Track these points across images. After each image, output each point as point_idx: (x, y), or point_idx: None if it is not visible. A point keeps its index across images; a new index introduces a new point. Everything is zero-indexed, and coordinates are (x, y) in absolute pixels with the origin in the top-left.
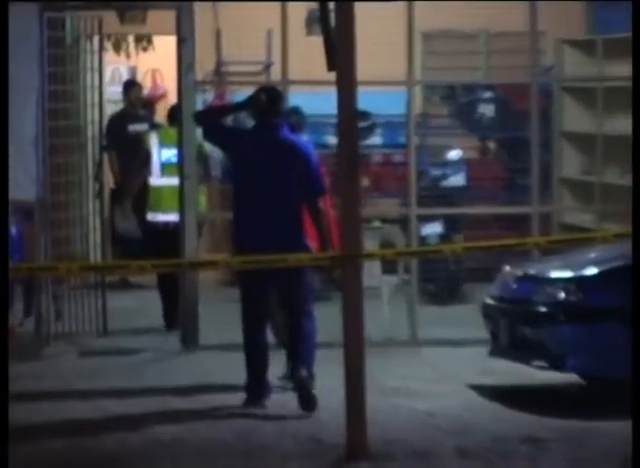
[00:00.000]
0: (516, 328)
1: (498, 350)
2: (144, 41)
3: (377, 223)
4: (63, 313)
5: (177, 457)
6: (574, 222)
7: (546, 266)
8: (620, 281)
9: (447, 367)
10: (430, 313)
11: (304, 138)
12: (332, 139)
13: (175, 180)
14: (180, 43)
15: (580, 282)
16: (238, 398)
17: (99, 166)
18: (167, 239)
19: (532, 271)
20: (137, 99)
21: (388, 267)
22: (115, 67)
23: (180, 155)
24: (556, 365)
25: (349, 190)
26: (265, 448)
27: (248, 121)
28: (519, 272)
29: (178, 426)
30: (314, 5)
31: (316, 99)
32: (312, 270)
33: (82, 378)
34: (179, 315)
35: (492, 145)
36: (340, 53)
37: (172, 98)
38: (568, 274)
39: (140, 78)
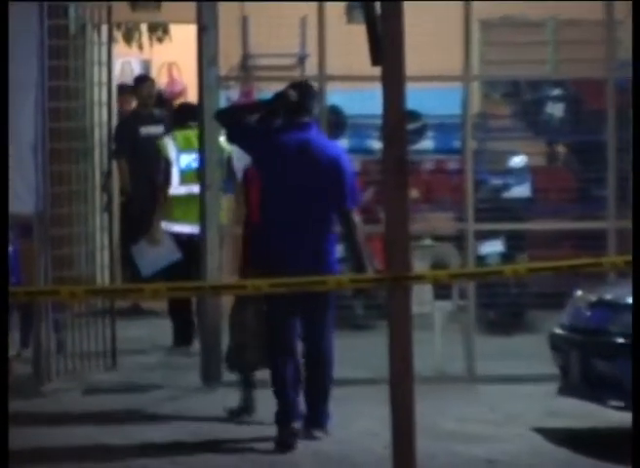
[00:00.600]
0: (590, 362)
1: (568, 387)
2: (159, 30)
3: (428, 241)
4: (66, 344)
5: None
6: None
7: (625, 291)
8: None
9: (509, 406)
10: (489, 344)
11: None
12: (376, 144)
13: (195, 188)
14: (201, 32)
15: None
16: (266, 444)
17: (107, 174)
18: (183, 253)
19: (608, 296)
20: (149, 97)
21: (441, 292)
22: (126, 60)
23: (202, 161)
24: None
25: (396, 202)
26: None
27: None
28: (593, 297)
29: None
30: None
31: (358, 98)
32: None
33: (86, 419)
34: (192, 334)
35: (561, 150)
36: (386, 44)
37: (191, 96)
38: None
39: (154, 73)
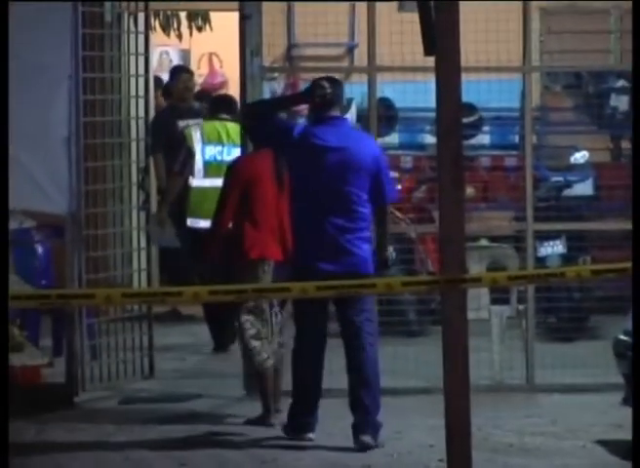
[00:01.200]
0: None
1: (633, 397)
2: (199, 19)
3: (484, 242)
4: (101, 351)
5: None
6: None
7: None
8: None
9: (570, 418)
10: (550, 352)
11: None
12: (429, 138)
13: (219, 182)
14: (244, 21)
15: None
16: (316, 456)
17: (144, 171)
18: None
19: None
20: (186, 90)
21: (499, 296)
22: (164, 51)
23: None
24: None
25: (451, 201)
26: None
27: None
28: None
29: None
30: None
31: (410, 90)
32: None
33: (122, 430)
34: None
35: (626, 146)
36: (440, 33)
37: (233, 88)
38: None
39: (194, 63)
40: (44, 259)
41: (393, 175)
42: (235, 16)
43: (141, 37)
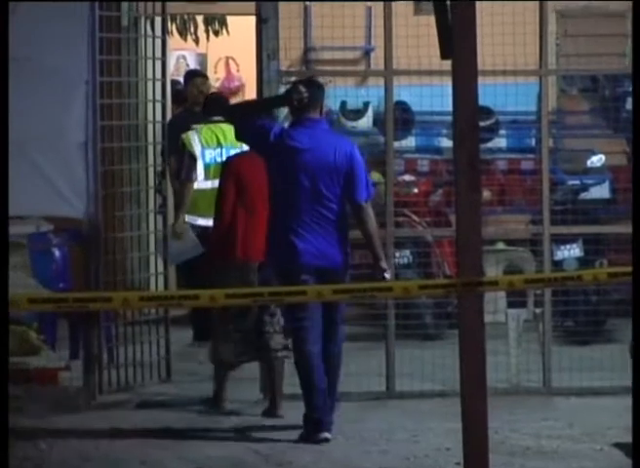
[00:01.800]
0: None
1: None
2: (216, 23)
3: (500, 245)
4: (118, 355)
5: None
6: None
7: None
8: None
9: (587, 421)
10: (567, 355)
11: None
12: (445, 142)
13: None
14: (261, 24)
15: None
16: (332, 458)
17: (161, 175)
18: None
19: None
20: (200, 94)
21: (515, 299)
22: (181, 55)
23: None
24: None
25: (468, 205)
26: None
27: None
28: None
29: None
30: None
31: (427, 93)
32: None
33: (140, 434)
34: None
35: None
36: (457, 36)
37: (249, 92)
38: None
39: (210, 67)
40: (61, 263)
41: (410, 177)
42: (252, 20)
43: (158, 41)
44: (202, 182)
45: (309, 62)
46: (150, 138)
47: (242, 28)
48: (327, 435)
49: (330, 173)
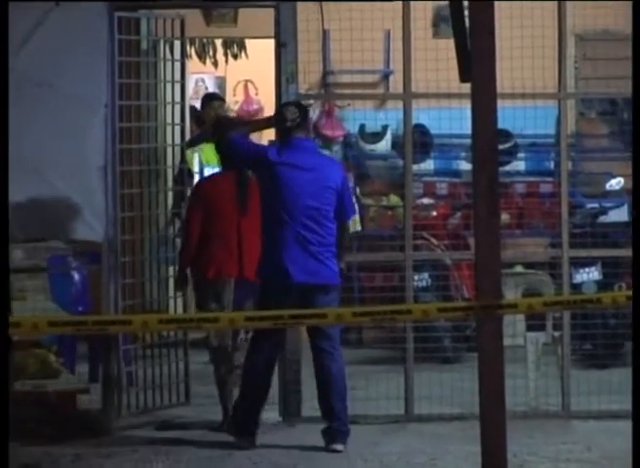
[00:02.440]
0: None
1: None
2: (235, 46)
3: (519, 268)
4: (137, 377)
5: None
6: None
7: None
8: None
9: (606, 444)
10: (586, 378)
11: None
12: (464, 165)
13: None
14: (280, 48)
15: None
16: None
17: (179, 198)
18: None
19: None
20: None
21: (534, 322)
22: (200, 78)
23: None
24: None
25: (487, 227)
26: None
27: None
28: None
29: None
30: (443, 1)
31: (445, 116)
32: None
33: (159, 456)
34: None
35: None
36: (476, 59)
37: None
38: None
39: (229, 91)
40: (80, 286)
41: (429, 200)
42: (271, 43)
43: (177, 64)
44: None
45: (328, 86)
46: (169, 162)
47: (261, 52)
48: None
49: (327, 190)
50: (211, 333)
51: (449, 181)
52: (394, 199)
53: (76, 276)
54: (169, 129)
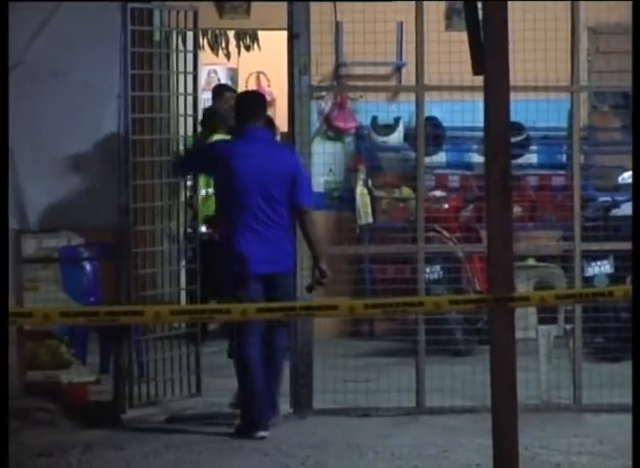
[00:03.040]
0: None
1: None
2: (247, 38)
3: (531, 261)
4: (148, 369)
5: None
6: None
7: None
8: None
9: (618, 437)
10: (597, 371)
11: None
12: (476, 158)
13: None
14: (293, 40)
15: None
16: None
17: (192, 189)
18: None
19: None
20: (230, 109)
21: (546, 315)
22: (212, 69)
23: None
24: None
25: (499, 220)
26: None
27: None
28: None
29: None
30: None
31: (458, 109)
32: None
33: (170, 448)
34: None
35: None
36: (489, 52)
37: (281, 108)
38: None
39: (241, 82)
40: (92, 277)
41: (441, 193)
42: (283, 35)
43: (190, 56)
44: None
45: (340, 78)
46: (182, 152)
47: (273, 43)
48: (264, 433)
49: (277, 177)
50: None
51: (461, 174)
52: (406, 191)
53: (88, 267)
54: (181, 120)
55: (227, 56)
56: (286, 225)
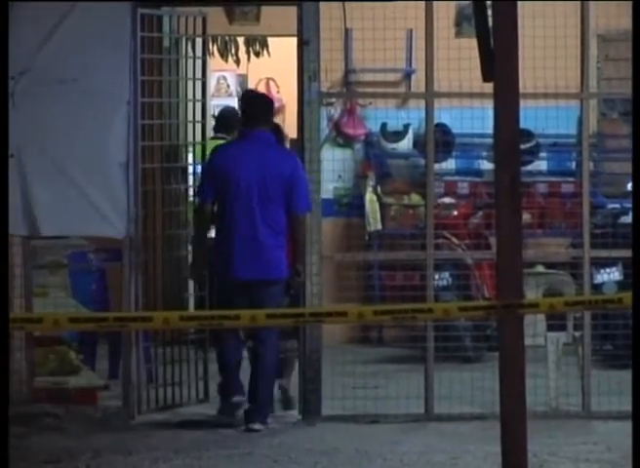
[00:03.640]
0: None
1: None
2: (257, 44)
3: (540, 268)
4: (157, 375)
5: None
6: None
7: None
8: None
9: (627, 445)
10: (606, 379)
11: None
12: (486, 165)
13: None
14: (302, 46)
15: None
16: None
17: None
18: None
19: None
20: None
21: (555, 322)
22: (221, 75)
23: None
24: None
25: (508, 227)
26: None
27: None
28: None
29: None
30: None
31: (467, 116)
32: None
33: (178, 453)
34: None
35: None
36: (498, 59)
37: (290, 114)
38: None
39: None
40: (101, 283)
41: (450, 200)
42: (293, 41)
43: (199, 62)
44: None
45: (350, 84)
46: (190, 159)
47: (283, 50)
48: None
49: (273, 178)
50: None
51: (470, 181)
52: (415, 198)
53: (96, 273)
54: (190, 126)
55: (237, 62)
56: (279, 228)
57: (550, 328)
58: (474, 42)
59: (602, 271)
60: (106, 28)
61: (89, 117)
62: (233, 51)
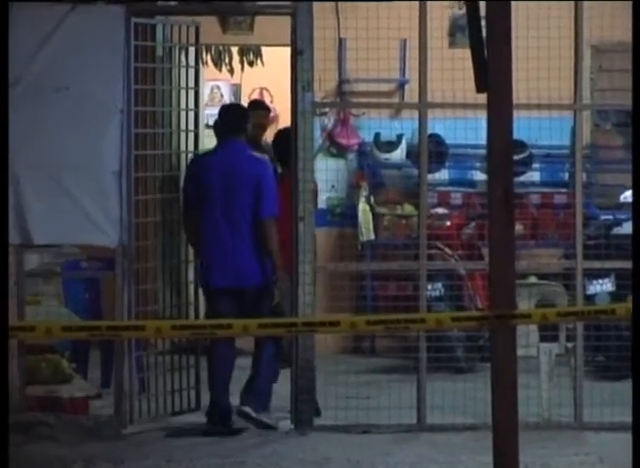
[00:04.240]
0: None
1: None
2: (251, 54)
3: (533, 279)
4: (149, 384)
5: None
6: None
7: None
8: None
9: (619, 456)
10: (599, 390)
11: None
12: (479, 175)
13: None
14: (296, 56)
15: None
16: None
17: None
18: None
19: None
20: (260, 127)
21: (547, 333)
22: (215, 85)
23: (295, 191)
24: None
25: (501, 238)
26: None
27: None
28: None
29: None
30: (459, 10)
31: (461, 126)
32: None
33: (170, 463)
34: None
35: None
36: (492, 70)
37: (284, 124)
38: None
39: (244, 98)
40: (93, 291)
41: (444, 210)
42: (286, 51)
43: (192, 71)
44: None
45: (344, 94)
46: (183, 168)
47: (276, 59)
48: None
49: (240, 180)
50: None
51: (463, 191)
52: (408, 208)
53: (89, 281)
54: (183, 135)
55: (231, 71)
56: (252, 235)
57: (543, 338)
58: (468, 53)
59: (595, 282)
60: (100, 37)
61: (82, 125)
62: (227, 60)
